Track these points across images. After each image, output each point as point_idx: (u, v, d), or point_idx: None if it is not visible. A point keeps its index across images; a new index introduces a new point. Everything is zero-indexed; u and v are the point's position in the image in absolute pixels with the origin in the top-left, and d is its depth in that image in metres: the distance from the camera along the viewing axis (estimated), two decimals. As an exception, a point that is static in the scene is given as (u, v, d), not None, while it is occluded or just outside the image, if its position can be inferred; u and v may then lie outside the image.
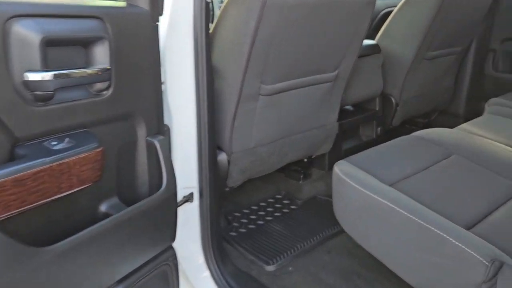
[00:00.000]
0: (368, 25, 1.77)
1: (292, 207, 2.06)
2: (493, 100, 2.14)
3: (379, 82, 2.33)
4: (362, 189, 1.23)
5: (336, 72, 1.81)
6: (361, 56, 2.10)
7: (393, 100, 2.41)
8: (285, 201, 2.10)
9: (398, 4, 2.35)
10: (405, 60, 2.30)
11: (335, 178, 1.36)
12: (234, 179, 1.68)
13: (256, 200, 2.09)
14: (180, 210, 1.40)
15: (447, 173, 1.39)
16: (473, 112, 2.86)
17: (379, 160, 1.42)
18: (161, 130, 1.12)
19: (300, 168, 2.21)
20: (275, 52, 1.48)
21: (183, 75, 1.28)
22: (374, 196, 1.19)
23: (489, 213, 1.20)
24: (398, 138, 1.64)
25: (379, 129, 2.45)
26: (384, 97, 2.43)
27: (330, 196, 2.12)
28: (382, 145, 1.56)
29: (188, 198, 1.45)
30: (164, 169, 1.05)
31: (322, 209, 2.01)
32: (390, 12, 3.06)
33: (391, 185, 1.29)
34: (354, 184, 1.26)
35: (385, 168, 1.38)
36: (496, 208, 1.22)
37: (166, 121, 1.23)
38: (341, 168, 1.35)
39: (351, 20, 1.66)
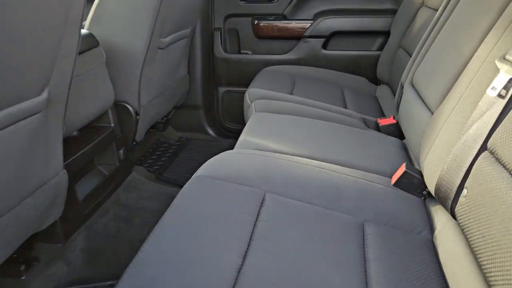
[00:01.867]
0: (84, 7, 1.04)
1: (21, 329, 1.19)
2: (252, 91, 1.79)
3: (108, 88, 1.62)
4: None
5: (45, 94, 1.01)
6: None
7: (131, 109, 1.76)
8: (3, 323, 1.20)
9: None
10: (137, 53, 1.67)
11: None
12: None
13: None
14: None
15: (279, 235, 0.90)
16: (210, 100, 2.54)
17: (187, 260, 0.79)
18: None
19: (16, 254, 1.32)
20: None
21: None
22: None
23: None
24: (185, 190, 1.03)
25: (121, 151, 1.76)
26: (119, 106, 1.74)
27: (83, 282, 1.36)
28: (170, 214, 0.92)
29: None
30: None
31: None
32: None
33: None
34: None
35: (199, 265, 0.76)
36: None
37: None
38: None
39: (55, 2, 0.89)
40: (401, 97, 1.57)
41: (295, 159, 1.20)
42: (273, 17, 2.37)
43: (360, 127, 1.56)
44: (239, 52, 2.50)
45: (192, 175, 2.23)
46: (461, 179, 0.93)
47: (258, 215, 0.96)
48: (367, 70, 2.27)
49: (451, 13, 1.35)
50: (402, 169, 1.14)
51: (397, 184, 1.15)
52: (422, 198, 1.14)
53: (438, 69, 1.23)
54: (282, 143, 1.32)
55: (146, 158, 2.18)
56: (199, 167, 2.16)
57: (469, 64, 1.05)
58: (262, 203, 1.01)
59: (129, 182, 1.79)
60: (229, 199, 1.00)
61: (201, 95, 2.46)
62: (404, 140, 1.53)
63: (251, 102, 1.68)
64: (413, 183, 1.13)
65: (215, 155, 2.26)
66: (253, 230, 0.90)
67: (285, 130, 1.42)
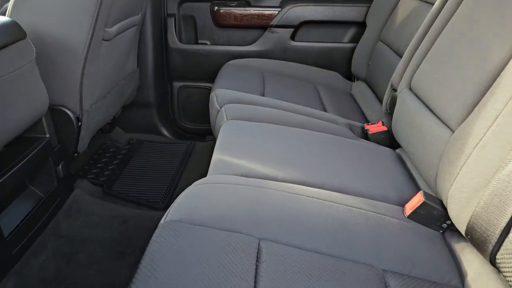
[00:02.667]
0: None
1: None
2: (220, 93, 1.51)
3: (40, 91, 1.29)
4: None
5: None
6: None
7: (71, 114, 1.43)
8: None
9: None
10: (76, 46, 1.34)
11: None
12: None
13: None
14: None
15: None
16: (164, 96, 2.24)
17: None
18: None
19: None
20: None
21: None
22: None
23: None
24: (154, 247, 0.76)
25: (60, 167, 1.44)
26: (55, 112, 1.41)
27: None
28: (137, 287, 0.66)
29: None
30: None
31: None
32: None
33: None
34: None
35: None
36: None
37: None
38: None
39: None
40: (392, 101, 1.38)
41: (288, 187, 0.97)
42: (235, 3, 2.10)
43: (349, 136, 1.35)
44: (196, 43, 2.21)
45: (147, 186, 1.90)
46: (507, 220, 0.75)
47: (256, 280, 0.72)
48: (340, 64, 2.08)
49: (457, 7, 1.16)
50: (419, 198, 0.95)
51: (413, 216, 0.95)
52: (441, 231, 0.96)
53: (450, 75, 1.03)
54: (268, 164, 1.07)
55: (90, 167, 1.86)
56: (154, 175, 1.85)
57: (503, 73, 0.86)
58: (258, 257, 0.77)
59: (71, 204, 1.48)
60: (216, 256, 0.75)
61: (153, 91, 2.16)
62: (397, 150, 1.35)
63: (221, 107, 1.42)
64: (432, 215, 0.94)
65: (171, 158, 1.98)
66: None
67: (267, 145, 1.17)
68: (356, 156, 1.20)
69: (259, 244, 0.81)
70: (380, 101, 1.67)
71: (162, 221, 0.85)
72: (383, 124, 1.43)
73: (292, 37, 2.09)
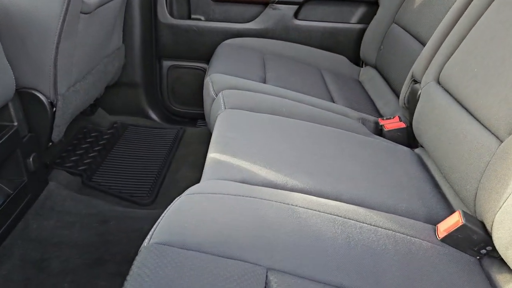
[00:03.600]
0: None
1: None
2: (216, 78, 1.33)
3: (4, 72, 1.10)
4: None
5: None
6: None
7: (43, 98, 1.24)
8: None
9: None
10: (49, 20, 1.14)
11: None
12: None
13: None
14: None
15: None
16: (152, 76, 2.04)
17: None
18: None
19: None
20: None
21: None
22: None
23: None
24: (134, 282, 0.60)
25: (30, 160, 1.25)
26: (24, 96, 1.22)
27: None
28: None
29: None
30: None
31: None
32: None
33: None
34: None
35: None
36: None
37: None
38: None
39: None
40: (412, 94, 1.22)
41: (301, 200, 0.80)
42: (234, -26, 1.89)
43: (363, 133, 1.19)
44: (189, 18, 2.00)
45: (131, 178, 1.78)
46: None
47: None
48: (347, 47, 1.90)
49: (500, -12, 0.98)
50: (456, 220, 0.79)
51: (447, 239, 0.80)
52: (477, 257, 0.81)
53: (497, 71, 0.87)
54: (275, 167, 0.91)
55: (68, 155, 1.67)
56: (139, 164, 1.70)
57: None
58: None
59: (43, 201, 1.30)
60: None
61: (140, 70, 1.96)
62: (416, 150, 1.19)
63: (217, 94, 1.24)
64: (471, 239, 0.79)
65: (159, 146, 1.85)
66: None
67: (273, 141, 1.00)
68: (374, 157, 1.04)
69: (266, 275, 0.65)
70: (394, 91, 1.51)
71: (145, 243, 0.69)
72: (400, 120, 1.27)
73: (296, 15, 1.90)
